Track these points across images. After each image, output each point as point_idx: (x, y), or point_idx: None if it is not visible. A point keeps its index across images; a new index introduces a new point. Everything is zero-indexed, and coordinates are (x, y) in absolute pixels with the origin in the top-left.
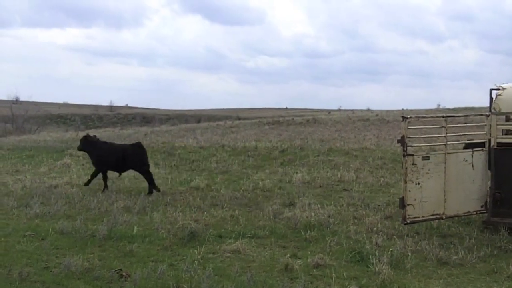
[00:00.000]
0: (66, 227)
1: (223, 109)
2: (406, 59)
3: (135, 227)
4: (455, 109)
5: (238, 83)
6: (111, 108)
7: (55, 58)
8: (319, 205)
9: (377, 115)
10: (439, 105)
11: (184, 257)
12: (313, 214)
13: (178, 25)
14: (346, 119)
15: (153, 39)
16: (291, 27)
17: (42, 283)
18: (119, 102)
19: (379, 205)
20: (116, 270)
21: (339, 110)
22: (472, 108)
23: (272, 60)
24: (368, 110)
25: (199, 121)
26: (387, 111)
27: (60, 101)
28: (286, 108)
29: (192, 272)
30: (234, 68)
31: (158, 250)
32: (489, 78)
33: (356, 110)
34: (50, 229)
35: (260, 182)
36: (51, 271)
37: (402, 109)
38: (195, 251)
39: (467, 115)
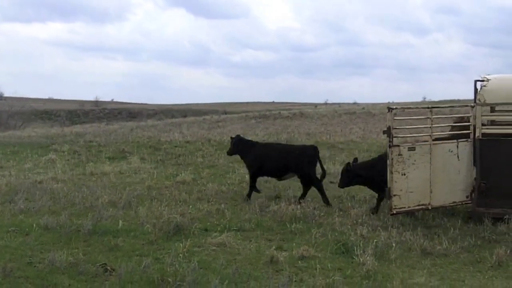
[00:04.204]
0: (51, 223)
1: (210, 103)
2: (392, 52)
3: (120, 222)
4: (440, 102)
5: (224, 77)
6: (96, 103)
7: (38, 53)
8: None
9: (363, 109)
10: (424, 98)
11: (169, 251)
12: (298, 206)
13: (162, 19)
14: (333, 112)
15: (137, 33)
16: (277, 21)
17: (25, 278)
18: (104, 97)
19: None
20: (101, 265)
21: (326, 103)
22: (458, 101)
23: (258, 54)
24: (354, 103)
25: (185, 116)
26: (374, 104)
27: (45, 96)
28: (273, 102)
29: (177, 265)
30: (220, 62)
31: (143, 244)
32: (474, 71)
33: (342, 103)
34: (34, 225)
35: (246, 176)
36: (35, 267)
37: (388, 102)
38: (181, 244)
39: (452, 106)
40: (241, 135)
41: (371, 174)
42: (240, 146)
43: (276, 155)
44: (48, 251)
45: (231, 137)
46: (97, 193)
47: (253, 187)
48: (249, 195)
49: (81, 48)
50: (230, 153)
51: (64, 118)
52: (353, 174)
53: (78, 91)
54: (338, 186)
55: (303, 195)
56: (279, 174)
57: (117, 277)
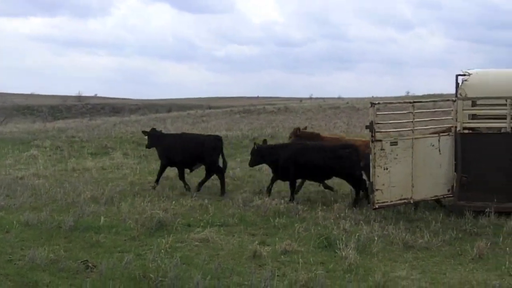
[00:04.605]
0: (32, 219)
1: (194, 98)
2: (376, 47)
3: (102, 218)
4: (423, 96)
5: (209, 72)
6: (79, 98)
7: (21, 48)
8: (288, 193)
9: (347, 103)
10: (408, 92)
11: (152, 247)
12: (282, 201)
13: (146, 14)
14: (317, 107)
15: (121, 28)
16: (261, 15)
17: (5, 276)
18: (88, 92)
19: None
20: (82, 261)
21: (311, 98)
22: (441, 95)
23: (243, 49)
24: (339, 98)
25: (169, 111)
26: (358, 99)
27: (28, 91)
28: (258, 97)
29: (159, 261)
30: (204, 57)
31: (125, 240)
32: (457, 65)
33: (327, 98)
34: (15, 221)
35: (230, 171)
36: (15, 264)
37: (373, 97)
38: (163, 240)
39: (434, 101)
40: (156, 128)
41: (273, 157)
42: (154, 139)
43: (183, 145)
44: (28, 248)
45: (143, 131)
46: (79, 189)
47: (159, 175)
48: (156, 181)
49: (64, 43)
50: (148, 146)
51: (47, 113)
52: (259, 155)
53: (61, 86)
54: (248, 165)
55: (202, 182)
56: (188, 164)
57: (99, 273)
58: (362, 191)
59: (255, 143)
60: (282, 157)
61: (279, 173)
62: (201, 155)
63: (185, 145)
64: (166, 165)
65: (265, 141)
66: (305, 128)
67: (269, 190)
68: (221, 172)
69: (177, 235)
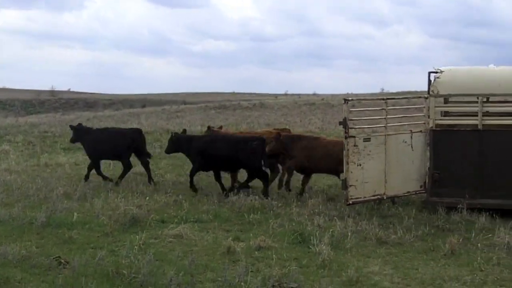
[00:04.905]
0: (3, 215)
1: (169, 93)
2: (353, 43)
3: (75, 214)
4: (398, 93)
5: (184, 67)
6: (52, 93)
7: None
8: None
9: (323, 99)
10: (383, 89)
11: (125, 243)
12: (257, 197)
13: (121, 7)
14: (293, 103)
15: (95, 21)
16: (237, 10)
17: None
18: (61, 86)
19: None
20: (54, 258)
21: (286, 94)
22: (415, 92)
23: (219, 44)
24: (314, 94)
25: (144, 106)
26: (333, 95)
27: None
28: (233, 93)
29: (132, 257)
30: (180, 51)
31: (98, 236)
32: (433, 63)
33: (302, 94)
34: None
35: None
36: None
37: (348, 94)
38: (137, 236)
39: (406, 97)
40: (82, 124)
41: (187, 146)
42: (79, 134)
43: (106, 139)
44: (0, 244)
45: (70, 126)
46: (51, 185)
47: (90, 169)
48: (86, 176)
49: (37, 36)
50: (72, 141)
51: (19, 108)
52: (176, 143)
53: (34, 80)
54: (165, 152)
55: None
56: (112, 156)
57: (71, 270)
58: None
59: (172, 132)
60: (193, 147)
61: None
62: (124, 147)
63: (109, 139)
64: (96, 159)
65: (184, 130)
66: (221, 127)
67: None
68: (145, 162)
69: (151, 231)
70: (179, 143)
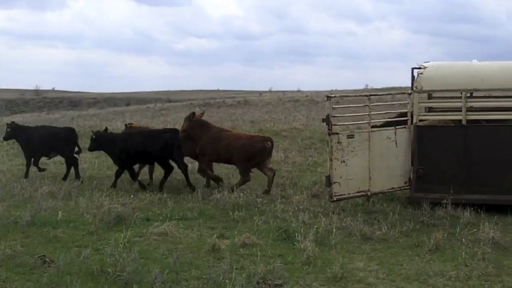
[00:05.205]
0: None
1: (154, 91)
2: (336, 40)
3: (60, 213)
4: (382, 89)
5: (168, 65)
6: (37, 92)
7: None
8: (247, 186)
9: (307, 96)
10: (367, 86)
11: (110, 241)
12: (241, 194)
13: (104, 6)
14: (277, 100)
15: (78, 20)
16: (220, 8)
17: None
18: (45, 86)
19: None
20: (39, 256)
21: (270, 91)
22: (399, 88)
23: (202, 42)
24: (298, 91)
25: (128, 104)
26: (317, 92)
27: None
28: (217, 90)
29: (117, 255)
30: (163, 50)
31: (83, 235)
32: (416, 58)
33: (286, 91)
34: None
35: (189, 164)
36: None
37: (332, 90)
38: (121, 234)
39: (390, 93)
40: (16, 122)
41: (108, 145)
42: (15, 132)
43: (40, 137)
44: None
45: (7, 123)
46: (36, 184)
47: (29, 165)
48: (26, 174)
49: (20, 36)
50: (6, 138)
51: (4, 107)
52: (97, 142)
53: (18, 80)
54: (88, 149)
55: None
56: (46, 153)
57: (56, 268)
58: (166, 176)
59: (93, 131)
60: (116, 145)
61: (116, 161)
62: (57, 145)
63: (42, 137)
64: (30, 156)
65: (106, 129)
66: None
67: (114, 183)
68: (75, 163)
69: (136, 229)
70: (100, 141)
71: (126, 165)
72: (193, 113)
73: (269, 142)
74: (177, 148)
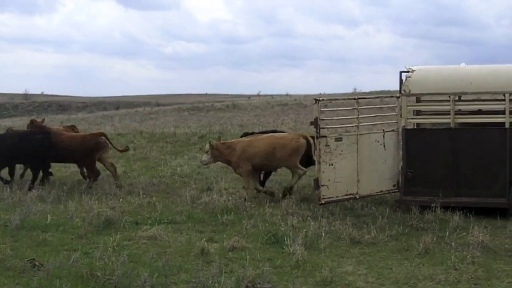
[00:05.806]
0: None
1: (142, 95)
2: (324, 44)
3: (49, 216)
4: (370, 93)
5: (156, 69)
6: (26, 96)
7: None
8: (236, 189)
9: (295, 100)
10: (355, 89)
11: (99, 245)
12: (230, 198)
13: (92, 11)
14: (266, 104)
15: (67, 25)
16: (208, 12)
17: None
18: (34, 90)
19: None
20: (28, 260)
21: (259, 95)
22: (388, 91)
23: (190, 46)
24: (287, 95)
25: (117, 108)
26: (305, 95)
27: None
28: (206, 94)
29: (106, 259)
30: (152, 53)
31: (72, 238)
32: (404, 62)
33: (275, 95)
34: None
35: (178, 168)
36: None
37: (320, 94)
38: (110, 238)
39: (378, 97)
40: None
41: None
42: None
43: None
44: None
45: None
46: (25, 188)
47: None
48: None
49: (9, 40)
50: None
51: None
52: None
53: (6, 84)
54: None
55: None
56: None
57: (45, 272)
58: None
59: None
60: None
61: None
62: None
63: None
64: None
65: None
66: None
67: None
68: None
69: (125, 233)
70: None
71: (4, 166)
72: (32, 121)
73: (102, 137)
74: (49, 149)
